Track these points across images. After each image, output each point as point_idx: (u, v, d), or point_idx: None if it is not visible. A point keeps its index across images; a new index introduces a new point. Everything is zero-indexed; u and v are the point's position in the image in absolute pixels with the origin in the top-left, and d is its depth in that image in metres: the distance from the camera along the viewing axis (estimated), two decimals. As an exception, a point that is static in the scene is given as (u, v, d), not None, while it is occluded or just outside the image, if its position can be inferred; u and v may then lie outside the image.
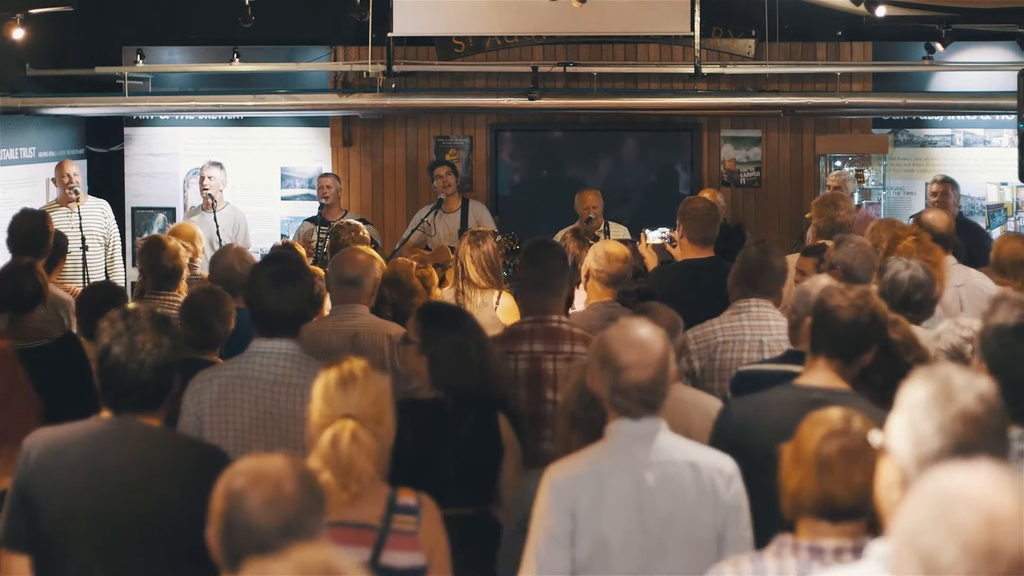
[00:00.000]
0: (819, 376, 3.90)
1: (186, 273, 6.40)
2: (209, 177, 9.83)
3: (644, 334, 3.48)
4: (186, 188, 11.27)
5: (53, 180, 9.65)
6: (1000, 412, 2.45)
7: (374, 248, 6.68)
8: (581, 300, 6.03)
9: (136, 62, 10.75)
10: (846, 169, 10.39)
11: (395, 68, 10.17)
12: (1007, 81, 9.71)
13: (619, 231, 9.37)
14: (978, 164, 10.78)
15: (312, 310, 4.94)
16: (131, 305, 3.65)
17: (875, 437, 2.55)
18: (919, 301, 4.95)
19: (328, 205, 9.81)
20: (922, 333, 4.45)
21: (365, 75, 10.55)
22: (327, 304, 5.88)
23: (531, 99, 10.16)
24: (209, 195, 9.74)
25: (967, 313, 5.66)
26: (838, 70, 10.64)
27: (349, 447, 3.31)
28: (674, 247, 6.96)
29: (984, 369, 3.52)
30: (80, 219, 9.20)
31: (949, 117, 10.76)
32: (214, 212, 9.59)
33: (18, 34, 9.38)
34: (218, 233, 9.34)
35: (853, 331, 3.86)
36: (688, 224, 6.47)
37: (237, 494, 2.55)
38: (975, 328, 4.01)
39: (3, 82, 10.12)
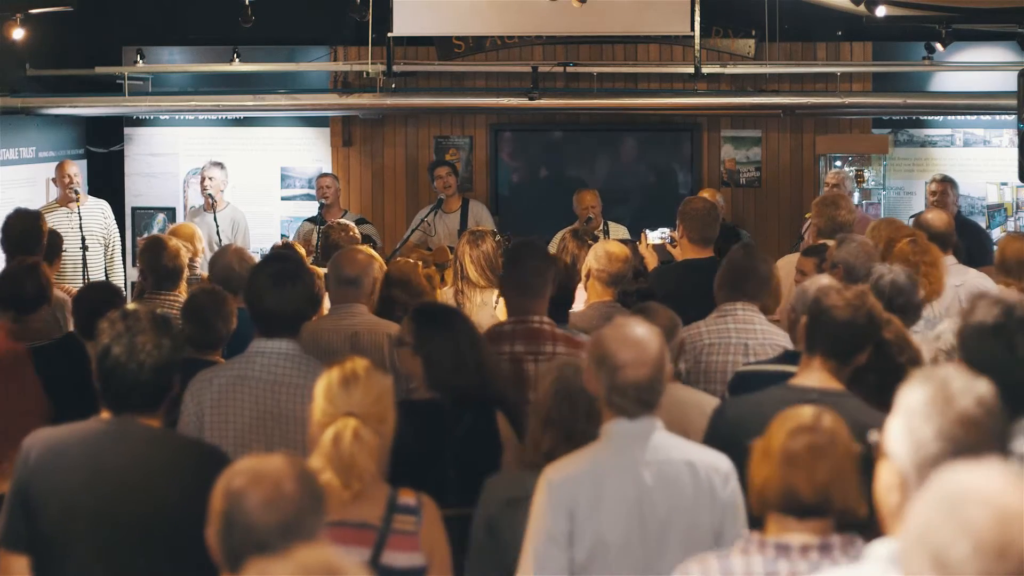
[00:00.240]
0: (814, 376, 3.90)
1: (186, 273, 6.41)
2: (210, 178, 9.80)
3: (640, 333, 3.48)
4: (186, 188, 11.25)
5: (53, 180, 9.64)
6: (999, 414, 2.45)
7: (373, 248, 6.68)
8: (581, 300, 6.04)
9: (136, 62, 10.74)
10: (846, 169, 10.39)
11: (395, 68, 10.16)
12: (1007, 81, 9.70)
13: (618, 231, 9.36)
14: (978, 164, 10.77)
15: (312, 310, 4.94)
16: (131, 306, 3.65)
17: (872, 436, 2.55)
18: (901, 306, 4.93)
19: (328, 205, 9.79)
20: (920, 335, 4.45)
21: (365, 75, 10.54)
22: (326, 303, 5.89)
23: (531, 99, 10.16)
24: (210, 195, 9.71)
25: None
26: (838, 70, 10.64)
27: (351, 445, 3.31)
28: (674, 247, 6.96)
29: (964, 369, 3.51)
30: (80, 219, 9.18)
31: (949, 117, 10.75)
32: (214, 212, 9.57)
33: (18, 34, 9.37)
34: (217, 233, 9.32)
35: (849, 331, 3.87)
36: (688, 224, 6.47)
37: (237, 494, 2.55)
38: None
39: (3, 82, 10.12)
